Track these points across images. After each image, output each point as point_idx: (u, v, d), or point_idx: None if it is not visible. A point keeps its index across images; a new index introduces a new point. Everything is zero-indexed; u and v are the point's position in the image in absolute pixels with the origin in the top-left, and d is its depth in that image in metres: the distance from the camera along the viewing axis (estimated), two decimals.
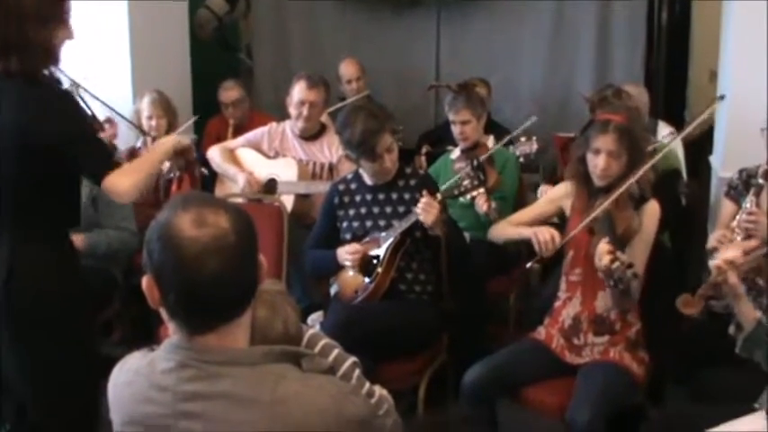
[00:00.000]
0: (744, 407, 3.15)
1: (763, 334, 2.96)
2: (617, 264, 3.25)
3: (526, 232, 3.71)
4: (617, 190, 3.54)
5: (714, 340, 3.82)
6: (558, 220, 3.91)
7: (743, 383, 3.31)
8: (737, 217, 3.99)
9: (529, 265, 3.69)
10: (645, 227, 3.57)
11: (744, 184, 4.18)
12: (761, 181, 4.05)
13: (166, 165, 4.78)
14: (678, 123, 5.94)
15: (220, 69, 7.16)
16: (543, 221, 3.88)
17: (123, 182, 3.00)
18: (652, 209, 3.62)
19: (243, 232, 1.80)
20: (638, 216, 3.56)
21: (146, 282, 1.83)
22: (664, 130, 5.75)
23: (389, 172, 4.06)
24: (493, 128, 5.70)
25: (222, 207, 1.82)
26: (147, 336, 4.26)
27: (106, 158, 3.03)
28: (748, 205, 4.00)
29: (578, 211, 3.70)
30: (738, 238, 3.91)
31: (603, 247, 3.35)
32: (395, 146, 4.03)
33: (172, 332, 1.88)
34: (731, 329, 3.07)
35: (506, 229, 3.89)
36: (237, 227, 1.79)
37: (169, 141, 3.34)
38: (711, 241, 4.10)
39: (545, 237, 3.61)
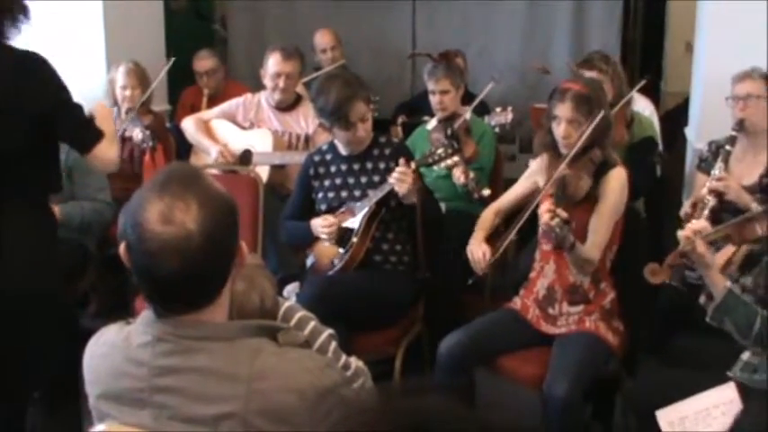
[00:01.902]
0: (717, 373, 3.20)
1: (733, 302, 2.99)
2: (556, 220, 3.27)
3: (470, 244, 3.80)
4: (582, 158, 3.55)
5: (686, 309, 3.87)
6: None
7: (715, 350, 3.35)
8: (708, 183, 4.05)
9: (470, 282, 3.76)
10: (608, 191, 3.57)
11: (713, 156, 4.24)
12: (728, 147, 4.11)
13: (140, 135, 4.79)
14: (654, 95, 5.96)
15: (195, 40, 7.12)
16: (527, 199, 3.89)
17: (112, 151, 3.01)
18: (618, 174, 3.60)
19: (211, 231, 1.75)
20: (603, 182, 3.56)
21: (122, 249, 1.81)
22: (639, 101, 5.77)
23: (362, 141, 4.05)
24: (470, 99, 5.70)
25: (197, 200, 1.76)
26: (123, 308, 4.25)
27: (95, 129, 3.03)
28: (717, 171, 4.05)
29: (548, 181, 3.71)
30: (710, 205, 3.96)
31: (544, 205, 3.38)
32: (369, 115, 4.02)
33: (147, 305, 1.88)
34: (702, 299, 3.09)
35: (477, 224, 3.91)
36: (206, 225, 1.74)
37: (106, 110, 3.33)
38: (685, 208, 4.15)
39: (477, 256, 3.70)
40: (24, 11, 3.00)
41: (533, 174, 3.87)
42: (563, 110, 3.54)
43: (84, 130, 3.02)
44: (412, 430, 1.07)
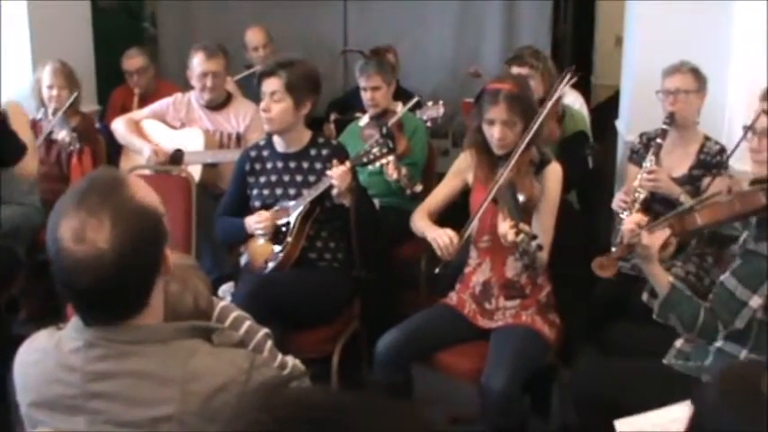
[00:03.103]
0: (652, 360, 3.25)
1: (677, 298, 3.04)
2: (522, 236, 3.24)
3: (429, 234, 3.67)
4: (521, 161, 3.56)
5: (620, 299, 3.92)
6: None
7: (649, 338, 3.40)
8: (639, 176, 4.11)
9: (437, 270, 3.63)
10: (548, 190, 3.60)
11: (645, 147, 4.30)
12: (659, 140, 4.17)
13: (66, 138, 4.71)
14: (585, 89, 6.03)
15: (124, 38, 7.02)
16: (456, 196, 3.89)
17: (33, 163, 2.96)
18: (554, 171, 3.64)
19: (125, 247, 1.73)
20: (541, 180, 3.59)
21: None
22: (569, 94, 5.82)
23: (271, 122, 3.97)
24: (401, 95, 5.71)
25: (111, 216, 1.73)
26: (54, 313, 4.17)
27: (19, 143, 2.98)
28: (648, 164, 4.11)
29: (481, 181, 3.71)
30: (641, 196, 4.02)
31: (505, 224, 3.31)
32: (286, 102, 3.91)
33: None
34: (644, 297, 3.13)
35: (417, 223, 3.82)
36: (119, 243, 1.73)
37: None
38: (616, 201, 4.20)
39: (444, 241, 3.57)
40: None
41: (461, 171, 3.86)
42: (497, 112, 3.54)
43: (8, 145, 2.96)
44: (295, 423, 1.08)
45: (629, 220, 3.09)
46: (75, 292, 1.77)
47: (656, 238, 3.03)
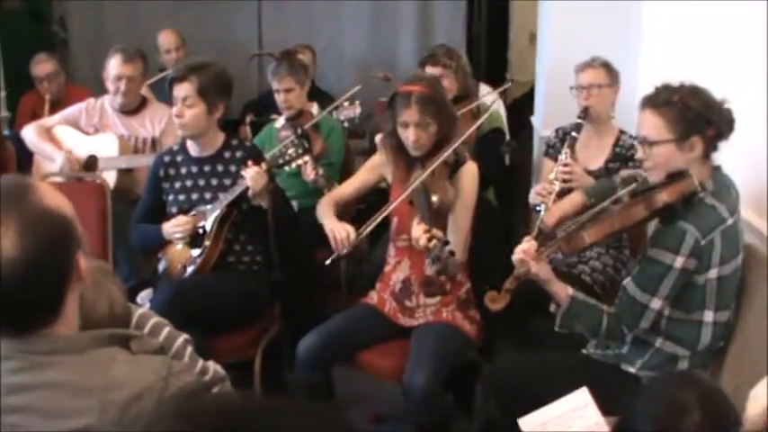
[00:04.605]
0: (570, 352, 3.31)
1: (578, 308, 3.13)
2: (434, 242, 3.24)
3: (327, 224, 3.70)
4: (432, 158, 3.57)
5: (538, 294, 3.97)
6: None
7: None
8: (555, 169, 4.17)
9: (328, 261, 3.65)
10: (464, 190, 3.62)
11: (560, 142, 4.37)
12: (574, 134, 4.24)
13: None
14: (499, 85, 6.07)
15: (33, 42, 6.88)
16: (368, 190, 3.90)
17: None
18: (469, 170, 3.66)
19: (33, 256, 1.69)
20: (456, 181, 3.61)
21: None
22: (484, 90, 5.87)
23: (184, 126, 3.94)
24: (317, 95, 5.70)
25: (17, 224, 1.69)
26: None
27: None
28: (563, 157, 4.18)
29: (398, 181, 3.73)
30: (556, 188, 4.08)
31: (418, 228, 3.32)
32: (198, 108, 3.88)
33: None
34: (552, 308, 3.21)
35: (321, 211, 3.83)
36: (26, 251, 1.68)
37: None
38: (532, 195, 4.25)
39: (341, 235, 3.61)
40: None
41: (377, 167, 3.88)
42: (410, 114, 3.55)
43: None
44: (212, 429, 1.08)
45: (519, 250, 3.14)
46: None
47: (543, 265, 3.13)
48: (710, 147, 3.00)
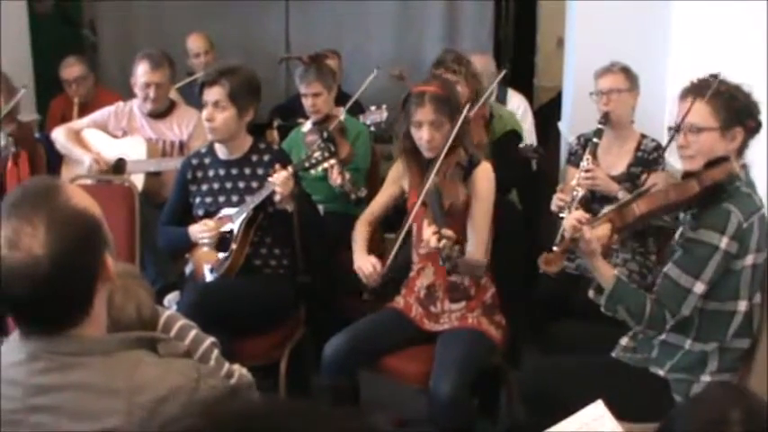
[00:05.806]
0: (597, 356, 3.30)
1: (623, 290, 3.09)
2: (444, 242, 3.24)
3: (356, 261, 3.75)
4: (445, 160, 3.57)
5: (564, 297, 3.97)
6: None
7: (592, 335, 3.45)
8: (577, 175, 4.16)
9: (364, 296, 3.70)
10: (479, 191, 3.61)
11: (582, 149, 4.36)
12: (595, 140, 4.23)
13: (2, 141, 4.63)
14: (527, 91, 6.07)
15: (63, 45, 6.92)
16: (395, 201, 3.91)
17: None
18: (484, 171, 3.65)
19: (61, 254, 1.71)
20: (471, 182, 3.60)
21: None
22: (513, 97, 5.87)
23: (214, 131, 3.95)
24: (344, 99, 5.70)
25: (46, 222, 1.71)
26: None
27: None
28: (585, 163, 4.17)
29: (414, 186, 3.72)
30: (579, 195, 4.07)
31: (429, 229, 3.32)
32: (230, 111, 3.90)
33: None
34: (591, 293, 3.17)
35: (355, 237, 3.87)
36: (55, 249, 1.70)
37: None
38: (555, 201, 4.23)
39: (368, 270, 3.65)
40: None
41: (396, 179, 3.88)
42: (423, 113, 3.55)
43: None
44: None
45: (572, 217, 3.13)
46: (12, 301, 1.74)
47: (598, 232, 3.09)
48: (748, 140, 3.08)
